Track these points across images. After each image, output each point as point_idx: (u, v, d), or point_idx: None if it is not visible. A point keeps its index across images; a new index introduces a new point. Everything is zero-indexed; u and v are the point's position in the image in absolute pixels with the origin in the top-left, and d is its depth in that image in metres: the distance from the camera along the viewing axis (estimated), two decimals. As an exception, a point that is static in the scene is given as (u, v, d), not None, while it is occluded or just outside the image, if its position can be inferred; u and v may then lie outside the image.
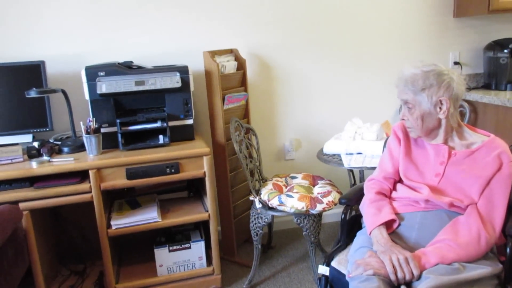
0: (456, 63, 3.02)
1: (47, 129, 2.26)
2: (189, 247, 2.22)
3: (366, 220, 1.57)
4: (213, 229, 2.19)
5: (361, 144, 2.33)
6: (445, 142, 1.56)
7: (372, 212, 1.56)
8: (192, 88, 2.22)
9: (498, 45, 2.89)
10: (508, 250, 1.39)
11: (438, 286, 1.24)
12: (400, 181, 1.66)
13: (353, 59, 2.84)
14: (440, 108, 1.49)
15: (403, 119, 1.59)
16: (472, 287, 1.28)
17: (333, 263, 1.59)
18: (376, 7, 2.80)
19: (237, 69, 2.53)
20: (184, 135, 2.24)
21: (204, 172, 2.10)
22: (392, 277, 1.32)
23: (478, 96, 2.77)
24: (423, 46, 2.95)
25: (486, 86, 3.00)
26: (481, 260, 1.37)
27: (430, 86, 1.48)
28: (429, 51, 2.96)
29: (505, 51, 2.84)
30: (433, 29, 2.94)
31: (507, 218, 1.45)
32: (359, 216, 1.74)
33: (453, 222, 1.44)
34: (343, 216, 1.70)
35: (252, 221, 2.30)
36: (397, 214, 1.54)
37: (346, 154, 2.35)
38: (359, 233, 1.61)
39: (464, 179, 1.48)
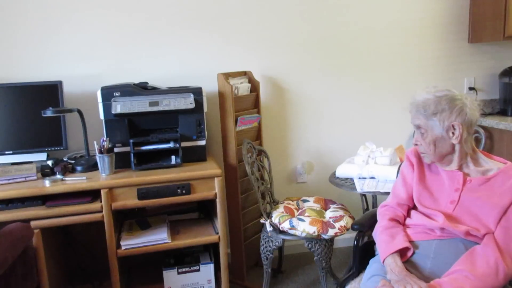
0: (471, 88, 2.99)
1: (62, 148, 2.28)
2: (198, 270, 2.20)
3: (379, 248, 1.54)
4: (223, 252, 2.16)
5: (374, 168, 2.30)
6: (460, 168, 1.53)
7: (385, 239, 1.53)
8: (205, 109, 2.23)
9: (513, 71, 2.87)
10: (527, 283, 1.34)
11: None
12: (415, 207, 1.62)
13: (367, 83, 2.84)
14: (452, 133, 1.47)
15: (416, 144, 1.58)
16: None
17: (345, 291, 1.55)
18: (391, 32, 2.81)
19: (251, 91, 2.55)
20: (196, 156, 2.25)
21: (215, 193, 2.09)
22: None
23: (494, 122, 2.74)
24: (438, 71, 2.94)
25: (502, 112, 2.96)
26: (499, 292, 1.32)
27: (442, 110, 1.47)
28: (444, 77, 2.94)
29: (521, 77, 2.82)
30: (448, 55, 2.93)
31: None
32: (372, 243, 1.70)
33: (469, 252, 1.40)
34: (355, 242, 1.66)
35: (263, 245, 2.27)
36: (411, 242, 1.51)
37: (359, 178, 2.33)
38: (372, 261, 1.57)
39: (480, 207, 1.45)
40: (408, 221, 1.60)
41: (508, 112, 2.91)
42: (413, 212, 1.60)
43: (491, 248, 1.38)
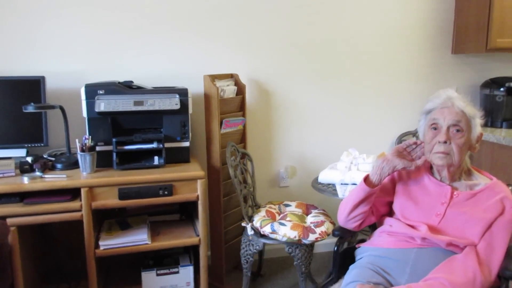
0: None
1: (42, 145, 2.24)
2: (177, 272, 2.18)
3: (351, 193, 1.59)
4: (203, 254, 2.15)
5: (356, 174, 2.32)
6: (452, 180, 1.54)
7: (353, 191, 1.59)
8: (190, 111, 2.22)
9: (494, 83, 2.94)
10: (501, 292, 1.37)
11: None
12: (391, 214, 1.65)
13: (352, 90, 2.87)
14: (477, 142, 1.50)
15: (445, 142, 1.46)
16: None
17: (324, 297, 1.56)
18: (377, 41, 2.85)
19: (237, 94, 2.54)
20: (179, 157, 2.23)
21: (197, 195, 2.08)
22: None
23: (474, 132, 2.79)
24: (422, 80, 2.98)
25: (483, 123, 3.02)
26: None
27: (476, 115, 1.50)
28: (428, 86, 2.99)
29: (501, 89, 2.89)
30: (432, 64, 2.98)
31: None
32: (352, 249, 1.71)
33: (449, 260, 1.41)
34: (336, 248, 1.68)
35: (243, 248, 2.26)
36: (391, 249, 1.52)
37: (341, 184, 2.34)
38: (351, 267, 1.58)
39: (464, 221, 1.46)
40: (389, 228, 1.61)
41: (488, 123, 2.97)
42: (394, 220, 1.61)
43: (471, 258, 1.39)
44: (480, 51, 2.77)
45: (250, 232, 2.19)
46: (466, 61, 3.05)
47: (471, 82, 3.09)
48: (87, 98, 2.08)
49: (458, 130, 1.47)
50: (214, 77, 2.39)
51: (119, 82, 2.17)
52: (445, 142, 1.46)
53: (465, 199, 1.50)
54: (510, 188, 1.55)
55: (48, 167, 2.12)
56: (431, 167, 1.61)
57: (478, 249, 1.43)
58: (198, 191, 2.08)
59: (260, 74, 2.71)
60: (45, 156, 2.24)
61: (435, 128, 1.51)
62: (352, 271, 1.54)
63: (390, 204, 1.67)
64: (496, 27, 2.68)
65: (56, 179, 1.95)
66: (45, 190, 1.91)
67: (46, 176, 1.97)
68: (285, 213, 2.32)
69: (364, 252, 1.60)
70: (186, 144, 2.24)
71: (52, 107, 2.12)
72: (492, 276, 1.39)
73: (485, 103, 3.00)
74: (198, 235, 2.15)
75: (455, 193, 1.52)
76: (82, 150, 2.01)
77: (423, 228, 1.50)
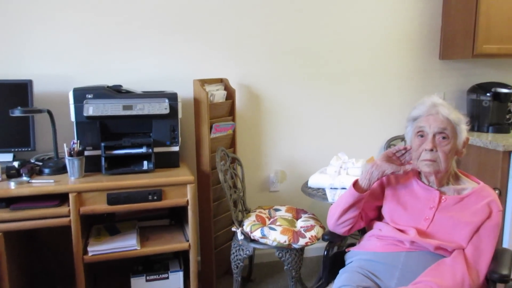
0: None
1: (29, 149, 2.22)
2: (167, 277, 2.17)
3: (341, 198, 1.60)
4: (193, 259, 2.13)
5: (345, 179, 2.33)
6: (440, 185, 1.56)
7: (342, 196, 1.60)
8: (180, 115, 2.21)
9: (481, 88, 2.98)
10: (489, 295, 1.38)
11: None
12: (380, 218, 1.66)
13: (341, 95, 2.89)
14: (463, 147, 1.51)
15: (431, 150, 1.48)
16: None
17: (314, 301, 1.56)
18: (366, 46, 2.88)
19: (226, 99, 2.54)
20: (169, 162, 2.22)
21: (187, 200, 2.07)
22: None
23: (461, 137, 2.83)
24: (410, 85, 3.02)
25: (469, 128, 3.06)
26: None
27: (461, 121, 1.51)
28: (416, 91, 3.03)
29: (488, 94, 2.93)
30: (420, 70, 3.02)
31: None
32: (342, 253, 1.72)
33: (438, 263, 1.42)
34: (325, 253, 1.68)
35: (233, 253, 2.26)
36: (380, 253, 1.53)
37: (331, 188, 2.35)
38: (341, 271, 1.59)
39: (452, 225, 1.48)
40: (378, 232, 1.62)
41: (475, 127, 3.01)
42: (383, 225, 1.62)
43: (459, 262, 1.41)
44: (467, 57, 2.81)
45: (240, 237, 2.19)
46: (453, 66, 3.09)
47: (458, 87, 3.13)
48: (75, 102, 2.06)
49: (444, 138, 1.49)
50: (203, 82, 2.39)
51: (108, 86, 2.16)
52: (431, 150, 1.48)
53: (453, 203, 1.51)
54: (496, 192, 1.57)
55: (35, 172, 2.09)
56: (419, 172, 1.62)
57: (466, 252, 1.44)
58: (188, 196, 2.07)
59: (250, 79, 2.71)
60: (32, 161, 2.21)
61: (421, 136, 1.53)
62: (342, 275, 1.54)
63: (379, 208, 1.68)
64: (482, 33, 2.72)
65: (44, 184, 1.92)
66: (32, 195, 1.88)
67: (33, 181, 1.95)
68: (275, 218, 2.32)
69: (354, 256, 1.61)
70: (176, 148, 2.23)
71: (40, 111, 2.10)
72: (480, 279, 1.41)
73: (472, 108, 3.04)
74: (188, 240, 2.13)
75: (443, 197, 1.53)
76: (70, 155, 1.99)
77: (412, 232, 1.51)
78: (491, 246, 1.44)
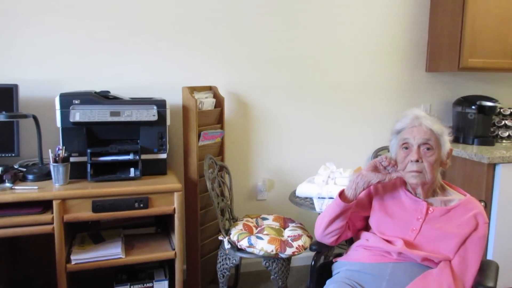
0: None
1: (13, 155, 2.17)
2: (152, 287, 2.13)
3: (328, 208, 1.60)
4: (179, 268, 2.11)
5: (333, 188, 2.33)
6: (426, 196, 1.57)
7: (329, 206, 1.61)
8: (168, 123, 2.20)
9: (466, 101, 3.03)
10: (474, 306, 1.39)
11: None
12: (367, 228, 1.66)
13: (329, 105, 2.91)
14: (448, 158, 1.54)
15: (417, 161, 1.50)
16: None
17: (301, 312, 1.55)
18: (354, 57, 2.91)
19: (215, 107, 2.54)
20: (156, 169, 2.20)
21: (174, 208, 2.05)
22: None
23: (447, 148, 2.86)
24: (398, 97, 3.05)
25: (455, 140, 3.11)
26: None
27: (444, 132, 1.54)
28: (403, 102, 3.06)
29: (473, 107, 2.97)
30: (407, 82, 3.06)
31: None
32: (329, 263, 1.71)
33: (424, 275, 1.43)
34: (313, 263, 1.67)
35: (220, 262, 2.23)
36: (367, 263, 1.53)
37: (318, 198, 2.35)
38: (328, 282, 1.58)
39: (439, 236, 1.49)
40: (365, 243, 1.62)
41: (460, 139, 3.06)
42: (370, 235, 1.63)
43: (446, 273, 1.42)
44: (453, 70, 2.86)
45: (227, 245, 2.17)
46: (439, 79, 3.14)
47: (444, 99, 3.18)
48: (61, 107, 2.03)
49: (428, 149, 1.51)
50: (192, 89, 2.38)
51: (95, 92, 2.14)
52: (417, 160, 1.50)
53: (440, 214, 1.53)
54: (482, 204, 1.59)
55: (18, 178, 2.05)
56: (406, 183, 1.63)
57: (452, 264, 1.45)
58: (175, 204, 2.05)
59: (239, 87, 2.71)
60: (16, 167, 2.17)
61: (406, 148, 1.55)
62: (329, 286, 1.53)
63: (367, 218, 1.68)
64: (468, 47, 2.78)
65: (27, 190, 1.89)
66: (15, 202, 1.84)
67: (16, 187, 1.91)
68: (263, 227, 2.31)
69: (341, 266, 1.61)
70: (163, 156, 2.21)
71: (25, 116, 2.06)
72: (466, 291, 1.42)
73: (457, 120, 3.09)
74: (174, 249, 2.11)
75: (430, 209, 1.54)
76: (55, 161, 1.96)
77: (399, 243, 1.51)
78: (477, 258, 1.45)
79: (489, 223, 2.58)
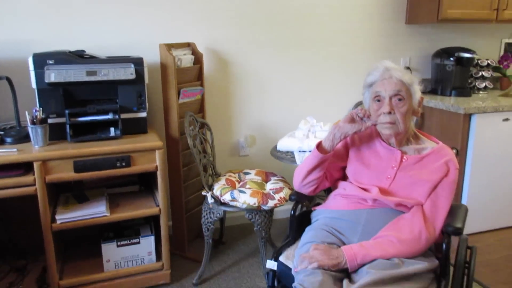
0: (407, 67, 3.15)
1: (-11, 118, 2.14)
2: (138, 242, 2.19)
3: (306, 159, 1.65)
4: (164, 224, 2.16)
5: (313, 142, 2.37)
6: (400, 145, 1.61)
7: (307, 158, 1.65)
8: (146, 81, 2.18)
9: (445, 53, 3.05)
10: (444, 246, 1.47)
11: (379, 280, 1.29)
12: (345, 178, 1.71)
13: (308, 60, 2.90)
14: (419, 106, 1.57)
15: (389, 112, 1.52)
16: (410, 280, 1.34)
17: (281, 258, 1.62)
18: (334, 11, 2.87)
19: (194, 63, 2.51)
20: (136, 128, 2.20)
21: (156, 166, 2.07)
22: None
23: (425, 100, 2.91)
24: (377, 50, 3.05)
25: (433, 92, 3.15)
26: (419, 256, 1.44)
27: (414, 82, 1.56)
28: (383, 55, 3.06)
29: (451, 59, 3.00)
30: (387, 34, 3.05)
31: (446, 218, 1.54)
32: (308, 212, 1.77)
33: (397, 219, 1.50)
34: (292, 212, 1.73)
35: (204, 216, 2.29)
36: (344, 210, 1.59)
37: (299, 151, 2.39)
38: (307, 229, 1.64)
39: (412, 183, 1.54)
40: (342, 191, 1.68)
41: (438, 91, 3.10)
42: (347, 184, 1.68)
43: (417, 216, 1.48)
44: (432, 21, 2.86)
45: (210, 200, 2.22)
46: (419, 31, 3.13)
47: (424, 51, 3.19)
48: (35, 68, 1.99)
49: (400, 99, 1.54)
50: (170, 46, 2.34)
51: (70, 51, 2.09)
52: (389, 112, 1.53)
53: (414, 162, 1.58)
54: (454, 151, 1.64)
55: (-3, 141, 2.04)
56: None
57: (424, 208, 1.52)
58: (157, 162, 2.07)
59: (218, 43, 2.67)
60: (-7, 130, 2.14)
61: (378, 100, 1.57)
62: (308, 233, 1.60)
63: (344, 169, 1.73)
64: (447, -2, 2.76)
65: (6, 153, 1.88)
66: (-5, 165, 1.84)
67: (-5, 150, 1.90)
68: (245, 181, 2.35)
69: (319, 214, 1.67)
70: (143, 114, 2.20)
71: (-2, 77, 2.02)
72: (436, 232, 1.49)
73: (436, 72, 3.12)
74: (158, 205, 2.15)
75: (404, 157, 1.59)
76: (33, 123, 1.94)
77: (374, 190, 1.57)
78: (447, 202, 1.52)
79: (463, 170, 2.68)
